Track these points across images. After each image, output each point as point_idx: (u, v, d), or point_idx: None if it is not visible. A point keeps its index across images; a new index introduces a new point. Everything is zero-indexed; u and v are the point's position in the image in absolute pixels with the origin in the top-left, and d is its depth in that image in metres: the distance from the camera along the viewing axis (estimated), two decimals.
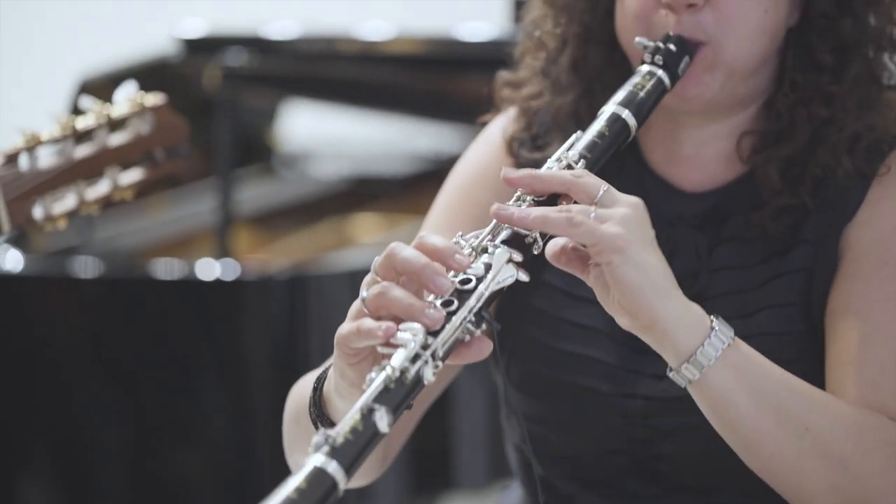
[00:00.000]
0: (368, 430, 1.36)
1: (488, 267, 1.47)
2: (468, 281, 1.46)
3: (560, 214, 1.49)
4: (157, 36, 4.01)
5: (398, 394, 1.38)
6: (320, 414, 1.58)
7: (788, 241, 1.78)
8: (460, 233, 1.52)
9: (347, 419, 1.36)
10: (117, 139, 2.01)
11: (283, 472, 1.73)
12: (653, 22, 1.75)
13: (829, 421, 1.58)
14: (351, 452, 1.34)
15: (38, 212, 1.95)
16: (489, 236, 1.51)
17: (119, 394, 3.15)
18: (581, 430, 1.83)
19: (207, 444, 3.12)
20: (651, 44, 1.71)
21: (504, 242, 1.50)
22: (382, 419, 1.36)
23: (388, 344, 1.42)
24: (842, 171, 1.76)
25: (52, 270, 3.24)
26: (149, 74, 3.79)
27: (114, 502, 3.13)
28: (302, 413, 1.64)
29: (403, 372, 1.39)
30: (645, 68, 1.70)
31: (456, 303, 1.44)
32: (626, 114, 1.65)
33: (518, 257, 1.49)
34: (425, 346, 1.41)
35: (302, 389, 1.76)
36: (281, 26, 3.79)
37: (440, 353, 1.42)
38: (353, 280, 3.14)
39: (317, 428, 1.57)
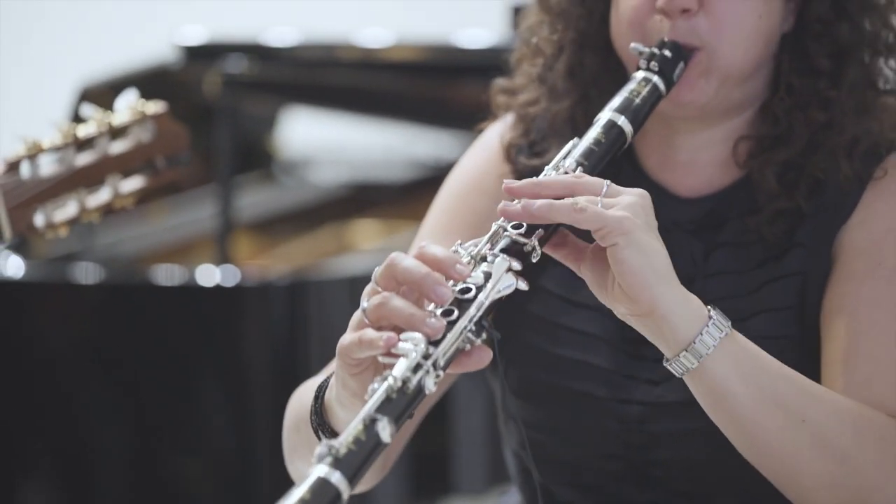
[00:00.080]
0: (371, 440, 1.36)
1: (488, 276, 1.47)
2: (468, 290, 1.46)
3: (565, 201, 1.50)
4: (158, 43, 4.02)
5: (400, 404, 1.39)
6: (322, 423, 1.58)
7: (784, 245, 1.78)
8: (459, 241, 1.52)
9: (350, 429, 1.36)
10: (118, 147, 2.01)
11: (283, 478, 1.75)
12: (647, 27, 1.75)
13: (826, 413, 1.58)
14: (354, 463, 1.34)
15: (39, 219, 1.95)
16: (488, 244, 1.51)
17: (120, 399, 3.15)
18: (578, 436, 1.83)
19: (208, 450, 3.12)
20: (646, 50, 1.72)
21: (503, 251, 1.50)
22: (385, 429, 1.36)
23: (389, 354, 1.42)
24: (840, 175, 1.77)
25: (53, 276, 3.24)
26: (149, 81, 3.79)
27: None
28: (302, 421, 1.64)
29: (405, 382, 1.39)
30: (640, 74, 1.71)
31: (456, 312, 1.44)
32: (622, 120, 1.65)
33: (517, 266, 1.49)
34: (426, 356, 1.41)
35: (302, 397, 1.76)
36: (281, 33, 3.79)
37: (441, 362, 1.42)
38: (352, 286, 3.15)
39: (318, 437, 1.58)
